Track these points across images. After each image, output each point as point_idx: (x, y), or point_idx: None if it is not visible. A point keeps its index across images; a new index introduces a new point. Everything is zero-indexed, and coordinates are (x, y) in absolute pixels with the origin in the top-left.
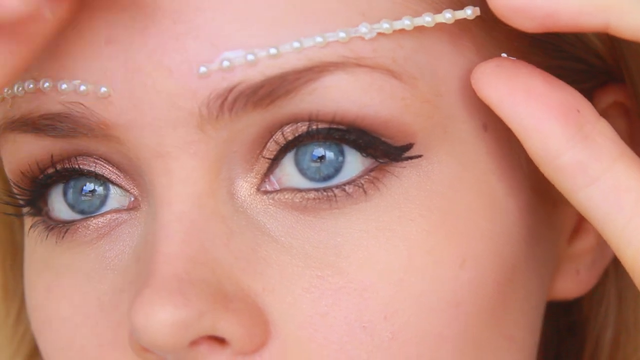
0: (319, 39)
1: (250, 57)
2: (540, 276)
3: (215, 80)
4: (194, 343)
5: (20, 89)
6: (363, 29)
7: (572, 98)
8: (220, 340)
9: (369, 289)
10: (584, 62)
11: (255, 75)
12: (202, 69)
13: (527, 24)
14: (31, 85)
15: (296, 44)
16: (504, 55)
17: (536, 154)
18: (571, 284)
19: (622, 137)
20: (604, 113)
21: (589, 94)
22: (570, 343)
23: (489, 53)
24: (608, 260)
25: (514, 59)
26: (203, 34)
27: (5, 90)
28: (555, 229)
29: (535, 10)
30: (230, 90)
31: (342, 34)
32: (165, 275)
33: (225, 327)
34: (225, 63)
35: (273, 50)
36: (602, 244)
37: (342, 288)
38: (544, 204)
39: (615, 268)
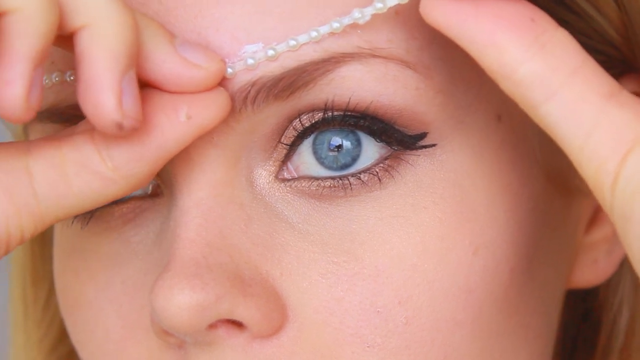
0: (313, 34)
1: (270, 52)
2: (556, 265)
3: (238, 74)
4: (212, 326)
5: (48, 80)
6: (356, 14)
7: (525, 8)
8: (238, 324)
9: (383, 274)
10: (600, 53)
11: (275, 68)
12: (229, 71)
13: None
14: (57, 78)
15: (314, 33)
16: None
17: (493, 70)
18: (589, 273)
19: None
20: None
21: None
22: (585, 330)
23: None
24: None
25: None
26: (223, 27)
27: None
28: (572, 218)
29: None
30: (253, 84)
31: (335, 24)
32: (184, 259)
33: (243, 311)
34: (250, 61)
35: (292, 42)
36: None
37: (357, 274)
38: (559, 194)
39: None
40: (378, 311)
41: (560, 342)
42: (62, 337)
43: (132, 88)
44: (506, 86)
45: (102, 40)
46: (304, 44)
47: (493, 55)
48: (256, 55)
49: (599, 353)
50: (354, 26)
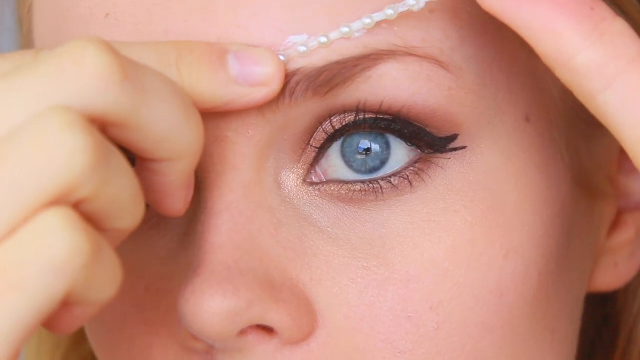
0: (367, 21)
1: (323, 39)
2: (580, 269)
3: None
4: (243, 332)
5: None
6: (411, 1)
7: None
8: (268, 330)
9: (414, 279)
10: None
11: (318, 61)
12: (281, 58)
13: None
14: None
15: (367, 20)
16: None
17: (550, 57)
18: (609, 277)
19: None
20: None
21: None
22: (604, 336)
23: None
24: None
25: None
26: (265, 18)
27: None
28: (595, 221)
29: None
30: (294, 73)
31: (390, 11)
32: (215, 264)
33: (274, 317)
34: (302, 49)
35: (345, 29)
36: None
37: (387, 279)
38: (584, 197)
39: None
40: (409, 317)
41: (579, 347)
42: (74, 346)
43: (192, 187)
44: (562, 73)
45: (183, 170)
46: (356, 31)
47: (551, 42)
48: (308, 43)
49: (618, 359)
50: (406, 15)
